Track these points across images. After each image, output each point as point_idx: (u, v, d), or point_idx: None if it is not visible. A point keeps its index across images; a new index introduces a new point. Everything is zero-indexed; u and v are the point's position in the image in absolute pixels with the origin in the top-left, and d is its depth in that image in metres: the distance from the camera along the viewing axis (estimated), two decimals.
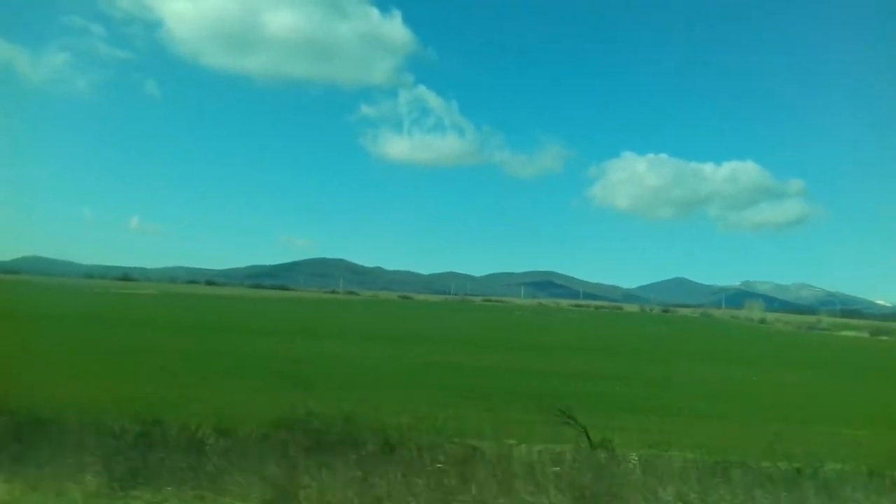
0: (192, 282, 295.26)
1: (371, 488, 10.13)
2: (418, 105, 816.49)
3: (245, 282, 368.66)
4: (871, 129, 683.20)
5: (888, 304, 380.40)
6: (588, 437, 13.10)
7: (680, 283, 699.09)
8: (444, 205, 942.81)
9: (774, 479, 11.91)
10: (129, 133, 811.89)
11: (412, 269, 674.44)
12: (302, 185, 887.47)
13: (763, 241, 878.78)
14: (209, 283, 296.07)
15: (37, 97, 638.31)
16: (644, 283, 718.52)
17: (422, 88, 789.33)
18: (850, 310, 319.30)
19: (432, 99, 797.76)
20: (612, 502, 9.86)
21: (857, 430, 19.55)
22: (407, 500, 9.04)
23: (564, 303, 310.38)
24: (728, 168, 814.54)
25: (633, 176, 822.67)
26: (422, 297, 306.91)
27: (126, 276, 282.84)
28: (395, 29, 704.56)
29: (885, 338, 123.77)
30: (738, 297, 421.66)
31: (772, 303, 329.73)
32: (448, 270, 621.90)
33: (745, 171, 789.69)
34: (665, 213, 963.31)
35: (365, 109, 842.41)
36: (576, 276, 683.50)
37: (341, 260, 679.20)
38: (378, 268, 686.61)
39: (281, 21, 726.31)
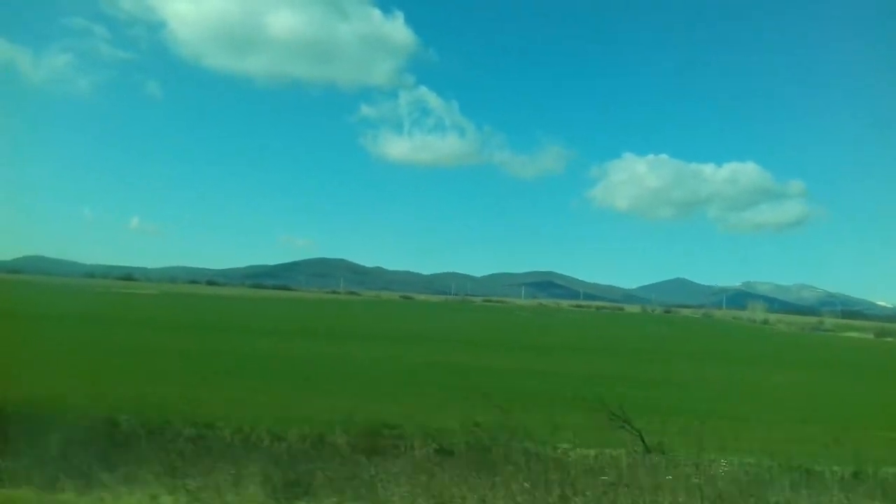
0: (193, 282, 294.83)
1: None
2: (419, 105, 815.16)
3: (245, 282, 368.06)
4: (871, 129, 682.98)
5: (889, 305, 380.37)
6: (643, 441, 12.94)
7: (680, 284, 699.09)
8: (445, 205, 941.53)
9: (833, 483, 11.72)
10: (131, 133, 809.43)
11: (413, 270, 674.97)
12: (302, 185, 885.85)
13: (763, 242, 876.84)
14: (210, 283, 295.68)
15: (38, 97, 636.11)
16: (644, 283, 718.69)
17: (423, 89, 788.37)
18: (852, 311, 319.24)
19: (433, 99, 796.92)
20: None
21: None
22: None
23: (565, 303, 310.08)
24: (728, 169, 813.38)
25: (634, 177, 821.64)
26: (423, 297, 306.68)
27: (127, 275, 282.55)
28: (396, 30, 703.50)
29: (890, 339, 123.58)
30: (739, 297, 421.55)
31: (772, 303, 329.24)
32: (448, 271, 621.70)
33: (746, 171, 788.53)
34: (665, 213, 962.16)
35: (365, 110, 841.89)
36: (576, 277, 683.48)
37: (342, 260, 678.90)
38: (379, 268, 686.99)
39: (282, 22, 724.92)
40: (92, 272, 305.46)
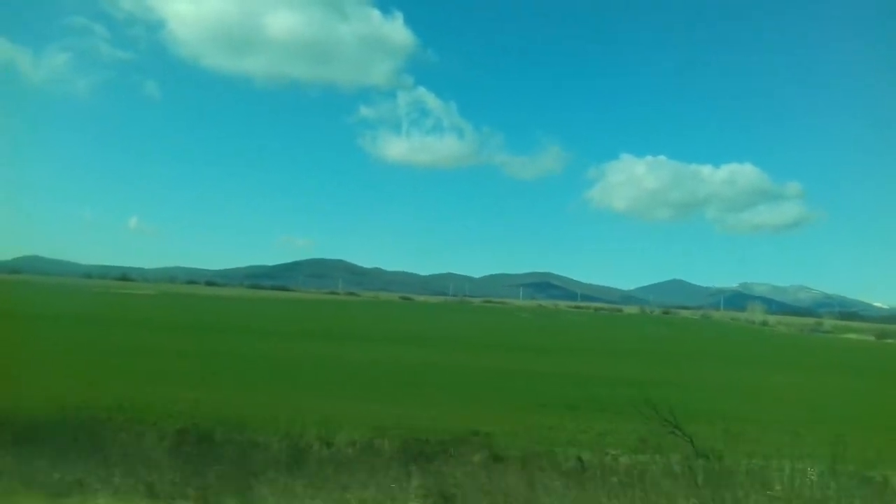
0: (192, 282, 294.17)
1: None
2: (417, 106, 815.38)
3: (244, 282, 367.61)
4: (869, 132, 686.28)
5: (886, 307, 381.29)
6: (693, 447, 12.91)
7: (678, 285, 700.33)
8: (443, 206, 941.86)
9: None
10: (129, 133, 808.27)
11: (410, 270, 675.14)
12: (301, 185, 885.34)
13: (761, 243, 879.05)
14: (209, 283, 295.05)
15: (37, 97, 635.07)
16: (642, 284, 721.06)
17: (421, 90, 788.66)
18: (849, 312, 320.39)
19: (431, 100, 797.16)
20: None
21: None
22: None
23: (563, 304, 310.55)
24: (726, 170, 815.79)
25: (632, 178, 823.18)
26: (421, 298, 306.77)
27: (125, 276, 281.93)
28: (395, 30, 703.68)
29: (891, 341, 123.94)
30: (736, 298, 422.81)
31: (770, 305, 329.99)
32: (446, 271, 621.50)
33: (744, 173, 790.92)
34: (663, 214, 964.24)
35: (364, 111, 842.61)
36: (574, 278, 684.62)
37: (340, 261, 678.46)
38: (377, 268, 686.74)
39: (281, 23, 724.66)
40: (90, 272, 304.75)
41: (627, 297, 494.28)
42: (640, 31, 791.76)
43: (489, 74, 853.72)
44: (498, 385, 28.70)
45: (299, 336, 57.40)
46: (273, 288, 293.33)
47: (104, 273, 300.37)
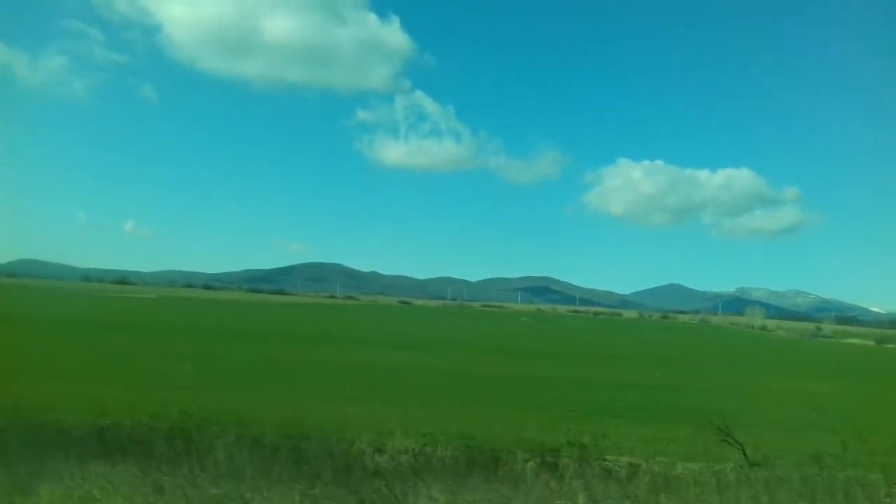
0: (190, 285, 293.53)
1: None
2: (415, 110, 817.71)
3: (241, 286, 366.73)
4: (866, 136, 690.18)
5: (883, 311, 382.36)
6: (745, 455, 12.87)
7: (675, 289, 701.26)
8: (440, 210, 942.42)
9: None
10: (126, 137, 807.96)
11: (408, 274, 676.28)
12: (298, 189, 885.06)
13: (758, 248, 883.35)
14: (207, 287, 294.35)
15: (34, 100, 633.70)
16: (639, 288, 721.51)
17: (419, 94, 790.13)
18: (846, 317, 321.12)
19: (429, 104, 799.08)
20: None
21: None
22: None
23: (562, 308, 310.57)
24: (723, 175, 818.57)
25: (629, 182, 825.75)
26: (420, 302, 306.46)
27: (122, 279, 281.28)
28: (393, 35, 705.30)
29: (891, 346, 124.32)
30: (734, 303, 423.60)
31: (767, 309, 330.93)
32: (444, 275, 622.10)
33: (740, 178, 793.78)
34: (660, 219, 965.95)
35: (361, 114, 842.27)
36: (571, 282, 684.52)
37: (337, 264, 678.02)
38: (374, 272, 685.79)
39: (279, 26, 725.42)
40: (87, 276, 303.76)
41: (625, 302, 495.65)
42: (637, 37, 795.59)
43: (486, 78, 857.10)
44: (526, 391, 28.69)
45: (319, 341, 57.70)
46: (271, 292, 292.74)
47: (101, 276, 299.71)
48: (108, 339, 46.65)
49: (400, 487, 10.09)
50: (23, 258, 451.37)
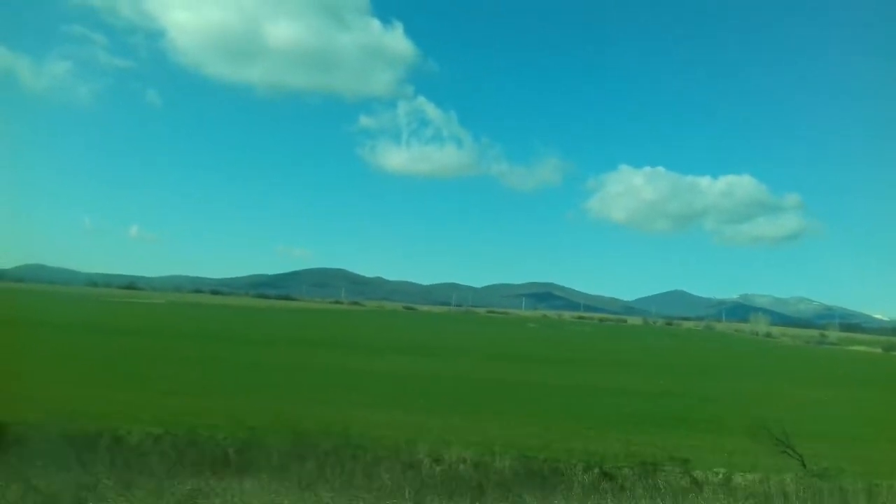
0: (198, 290, 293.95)
1: None
2: (417, 116, 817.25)
3: (247, 291, 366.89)
4: (868, 143, 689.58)
5: (886, 318, 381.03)
6: (804, 466, 13.20)
7: (678, 296, 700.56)
8: (443, 216, 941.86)
9: None
10: (130, 141, 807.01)
11: (412, 280, 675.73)
12: (301, 194, 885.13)
13: (760, 255, 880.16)
14: (214, 292, 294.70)
15: (38, 105, 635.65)
16: (643, 295, 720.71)
17: (421, 100, 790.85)
18: (850, 324, 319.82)
19: (431, 110, 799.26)
20: None
21: None
22: None
23: (567, 315, 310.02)
24: (725, 182, 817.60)
25: (630, 189, 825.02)
26: (425, 308, 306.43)
27: (130, 284, 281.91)
28: (396, 40, 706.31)
29: None
30: (737, 310, 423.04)
31: (770, 316, 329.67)
32: (447, 281, 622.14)
33: (742, 184, 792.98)
34: (662, 225, 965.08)
35: (364, 120, 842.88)
36: (575, 288, 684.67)
37: (341, 270, 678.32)
38: (378, 278, 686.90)
39: (282, 32, 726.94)
40: (93, 281, 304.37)
41: (629, 308, 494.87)
42: (638, 44, 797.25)
43: (489, 85, 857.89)
44: (555, 400, 28.96)
45: (332, 346, 58.09)
46: (277, 297, 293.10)
47: (107, 281, 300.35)
48: (129, 343, 47.08)
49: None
50: (28, 263, 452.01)
